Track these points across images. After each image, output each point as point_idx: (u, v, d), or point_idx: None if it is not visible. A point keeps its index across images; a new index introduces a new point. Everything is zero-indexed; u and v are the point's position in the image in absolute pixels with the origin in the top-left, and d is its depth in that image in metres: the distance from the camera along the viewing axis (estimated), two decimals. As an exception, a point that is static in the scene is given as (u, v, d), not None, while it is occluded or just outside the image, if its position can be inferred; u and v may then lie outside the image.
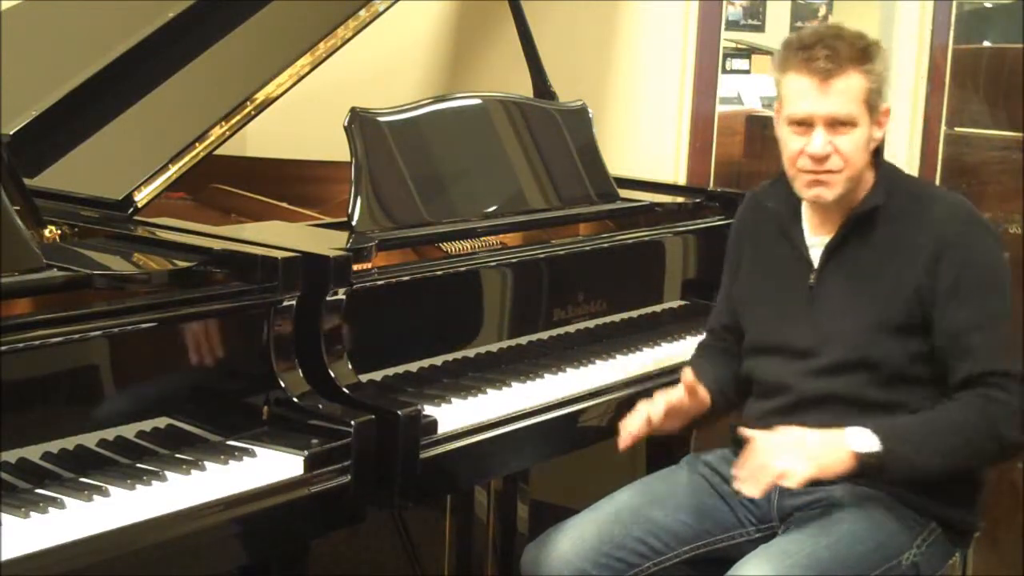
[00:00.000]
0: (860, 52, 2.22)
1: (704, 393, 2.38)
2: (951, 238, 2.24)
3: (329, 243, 2.29)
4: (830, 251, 2.34)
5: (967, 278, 2.23)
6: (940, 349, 2.24)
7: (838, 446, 2.16)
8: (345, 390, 2.18)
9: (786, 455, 2.15)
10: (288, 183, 3.11)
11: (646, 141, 3.60)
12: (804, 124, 2.25)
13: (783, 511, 2.37)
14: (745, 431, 2.25)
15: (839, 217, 2.33)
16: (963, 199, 2.37)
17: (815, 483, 2.30)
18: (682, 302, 3.05)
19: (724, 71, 3.70)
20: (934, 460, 2.20)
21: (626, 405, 2.64)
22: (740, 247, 2.52)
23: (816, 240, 2.36)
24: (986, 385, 2.20)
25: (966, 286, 2.23)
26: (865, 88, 2.23)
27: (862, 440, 2.16)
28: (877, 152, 2.35)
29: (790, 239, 2.40)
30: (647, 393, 2.64)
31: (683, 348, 2.81)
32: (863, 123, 2.24)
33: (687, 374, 2.34)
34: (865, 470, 2.18)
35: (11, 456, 1.81)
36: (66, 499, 1.79)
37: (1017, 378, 2.20)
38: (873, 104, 2.25)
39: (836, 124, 2.23)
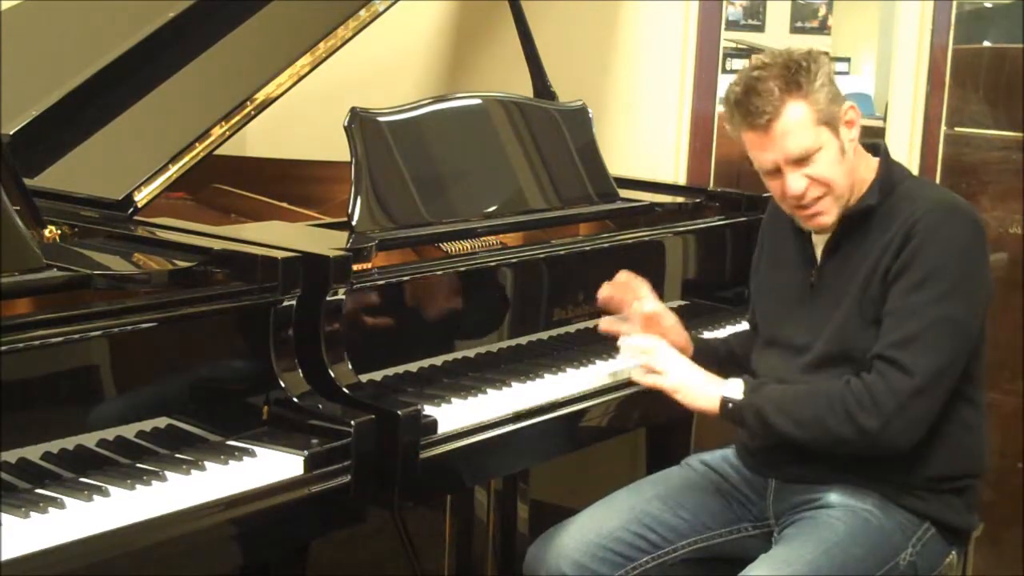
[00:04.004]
0: (788, 84, 2.19)
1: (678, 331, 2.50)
2: (918, 227, 2.23)
3: (329, 243, 2.29)
4: (828, 249, 2.35)
5: (915, 266, 2.21)
6: None
7: (711, 385, 2.32)
8: (345, 390, 2.18)
9: (672, 364, 2.34)
10: (288, 183, 3.11)
11: (646, 141, 3.61)
12: (774, 171, 2.26)
13: (779, 509, 2.38)
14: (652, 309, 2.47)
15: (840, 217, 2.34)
16: (950, 195, 2.34)
17: (809, 482, 2.32)
18: (682, 302, 3.05)
19: (724, 71, 3.69)
20: (787, 425, 2.24)
21: (626, 405, 2.65)
22: (761, 250, 2.55)
23: (820, 239, 2.38)
24: (872, 370, 2.20)
25: (912, 274, 2.21)
26: (811, 112, 2.20)
27: (732, 388, 2.30)
28: (879, 150, 2.34)
29: (800, 237, 2.42)
30: (647, 393, 2.65)
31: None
32: (828, 141, 2.23)
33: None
34: (725, 414, 2.30)
35: (11, 456, 1.81)
36: (66, 499, 1.78)
37: (906, 370, 2.16)
38: (829, 118, 2.22)
39: (799, 160, 2.23)
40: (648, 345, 2.39)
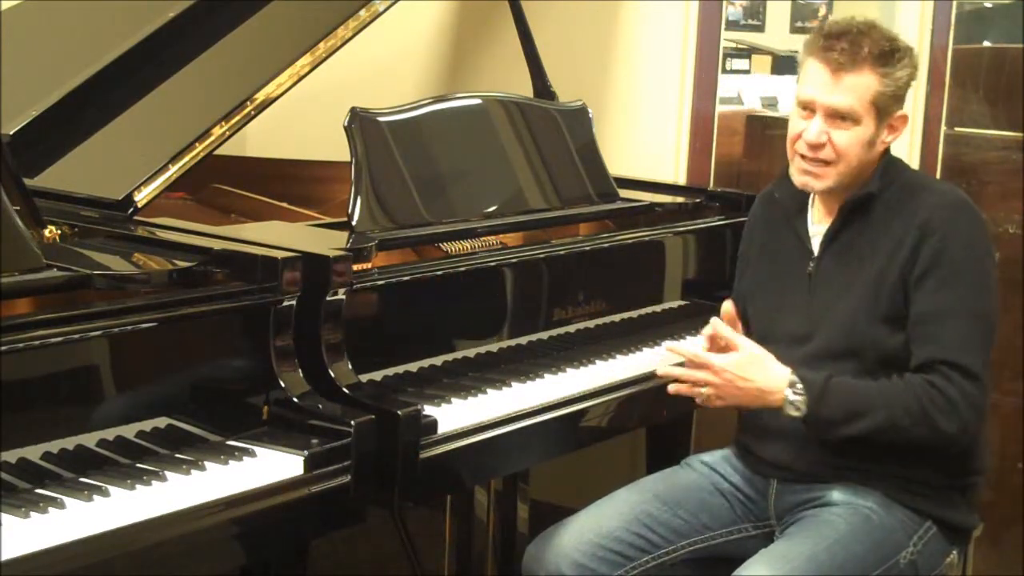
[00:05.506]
0: (881, 54, 2.24)
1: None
2: (934, 224, 2.25)
3: (329, 243, 2.29)
4: (828, 239, 2.36)
5: (942, 265, 2.23)
6: (908, 336, 2.25)
7: (771, 401, 2.24)
8: (345, 390, 2.18)
9: (725, 389, 2.26)
10: (288, 183, 3.11)
11: (646, 141, 3.60)
12: (808, 108, 2.27)
13: (781, 509, 2.38)
14: (720, 330, 2.31)
15: (838, 205, 2.35)
16: (956, 189, 2.37)
17: (811, 481, 2.32)
18: (682, 302, 3.05)
19: (724, 71, 3.69)
20: (856, 431, 2.22)
21: (626, 405, 2.65)
22: (750, 242, 2.55)
23: (817, 229, 2.39)
24: (935, 372, 2.21)
25: (940, 273, 2.23)
26: (876, 90, 2.24)
27: (793, 400, 2.22)
28: (886, 151, 2.36)
29: (794, 229, 2.42)
30: (647, 393, 2.66)
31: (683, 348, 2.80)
32: (867, 123, 2.25)
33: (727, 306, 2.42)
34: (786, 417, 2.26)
35: (11, 456, 1.81)
36: (66, 499, 1.78)
37: (969, 373, 2.20)
38: (883, 107, 2.25)
39: (836, 116, 2.25)
40: (696, 376, 2.31)
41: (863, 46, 2.23)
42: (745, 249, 2.57)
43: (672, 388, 2.33)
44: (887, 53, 2.24)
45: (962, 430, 2.21)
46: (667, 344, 2.40)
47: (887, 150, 2.36)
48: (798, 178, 2.33)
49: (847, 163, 2.27)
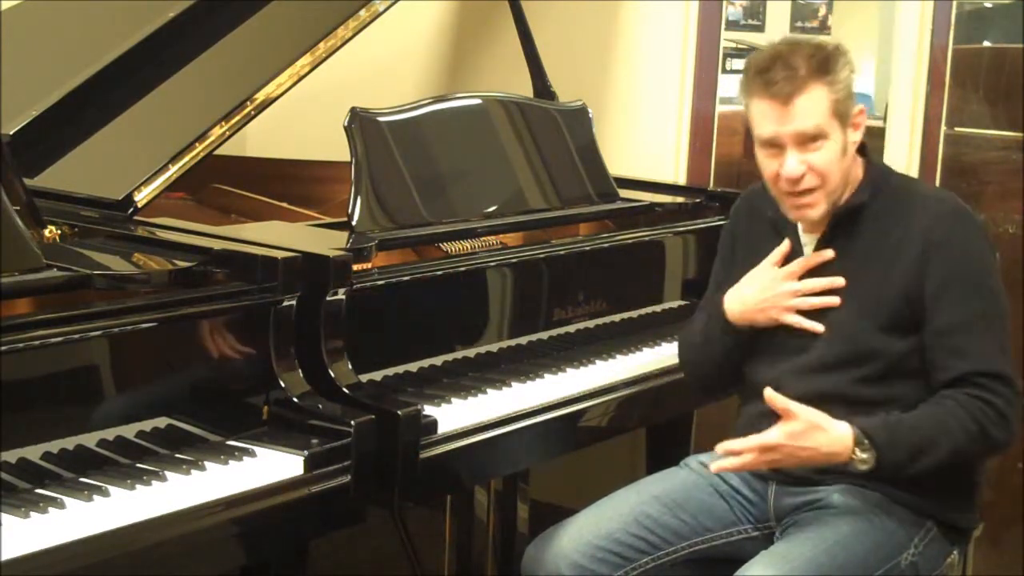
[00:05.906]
0: (819, 65, 2.21)
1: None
2: (939, 237, 2.24)
3: (329, 243, 2.29)
4: (819, 248, 2.34)
5: (957, 277, 2.23)
6: (929, 348, 2.24)
7: (837, 461, 2.18)
8: (345, 390, 2.18)
9: (786, 461, 2.20)
10: (288, 183, 3.11)
11: (646, 141, 3.61)
12: (775, 145, 2.25)
13: (780, 511, 2.37)
14: (775, 400, 2.19)
15: (829, 215, 2.34)
16: (949, 195, 2.37)
17: (811, 483, 2.32)
18: (682, 302, 3.05)
19: (724, 71, 3.69)
20: (923, 467, 2.20)
21: (626, 405, 2.65)
22: (734, 249, 2.52)
23: (809, 239, 2.37)
24: (977, 386, 2.20)
25: (956, 285, 2.23)
26: (830, 100, 2.21)
27: (863, 457, 2.17)
28: (864, 150, 2.35)
29: (784, 238, 2.40)
30: (647, 393, 2.66)
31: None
32: (834, 134, 2.23)
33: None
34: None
35: (11, 456, 1.81)
36: (66, 499, 1.79)
37: (1007, 380, 2.21)
38: (842, 112, 2.23)
39: (806, 140, 2.22)
40: (754, 457, 2.20)
41: (798, 66, 2.20)
42: (728, 257, 2.53)
43: (715, 467, 2.24)
44: (823, 61, 2.22)
45: (1009, 437, 2.22)
46: (718, 446, 2.24)
47: (867, 152, 2.35)
48: (793, 214, 2.31)
49: (832, 178, 2.25)
